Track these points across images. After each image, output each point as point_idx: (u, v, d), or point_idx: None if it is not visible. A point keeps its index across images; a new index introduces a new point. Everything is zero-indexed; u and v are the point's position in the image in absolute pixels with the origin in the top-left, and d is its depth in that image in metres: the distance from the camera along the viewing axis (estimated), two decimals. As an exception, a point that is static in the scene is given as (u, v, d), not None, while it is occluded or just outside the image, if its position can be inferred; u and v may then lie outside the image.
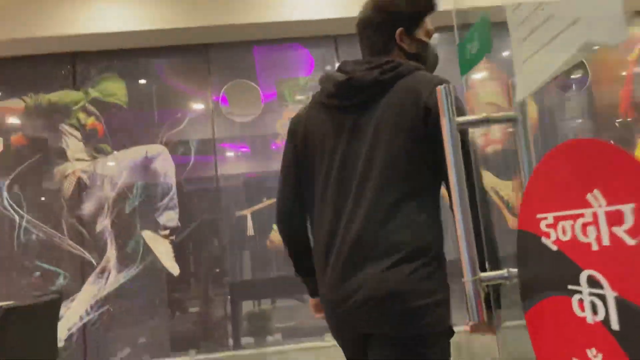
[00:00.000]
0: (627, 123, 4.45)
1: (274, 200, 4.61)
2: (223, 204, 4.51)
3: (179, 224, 4.13)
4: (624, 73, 4.49)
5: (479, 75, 4.43)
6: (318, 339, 4.17)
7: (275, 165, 4.67)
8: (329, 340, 4.14)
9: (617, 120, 4.47)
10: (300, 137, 1.49)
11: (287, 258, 1.64)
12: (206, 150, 4.30)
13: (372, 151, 1.33)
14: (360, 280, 1.30)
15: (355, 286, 1.31)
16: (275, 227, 4.24)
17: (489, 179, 4.40)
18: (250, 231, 4.25)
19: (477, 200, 1.28)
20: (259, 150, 4.80)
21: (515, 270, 1.16)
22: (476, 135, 4.42)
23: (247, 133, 4.57)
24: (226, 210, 4.56)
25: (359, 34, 1.48)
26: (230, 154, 4.90)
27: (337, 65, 2.12)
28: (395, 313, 1.28)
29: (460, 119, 1.14)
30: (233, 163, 4.76)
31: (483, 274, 1.14)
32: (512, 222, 4.39)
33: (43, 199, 4.12)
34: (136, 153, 4.15)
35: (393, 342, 1.30)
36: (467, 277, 1.12)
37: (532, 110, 4.46)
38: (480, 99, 4.41)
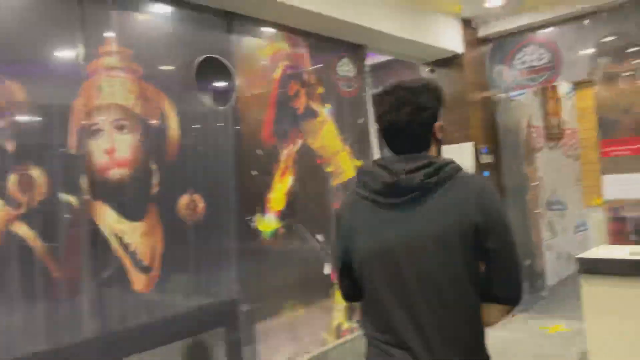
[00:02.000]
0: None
1: None
2: None
3: None
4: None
5: (104, 60, 2.89)
6: None
7: None
8: None
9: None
10: (347, 229, 1.58)
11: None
12: None
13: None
14: None
15: None
16: None
17: (111, 219, 2.89)
18: None
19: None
20: None
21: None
22: (98, 147, 2.85)
23: None
24: None
25: (398, 130, 1.53)
26: None
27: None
28: None
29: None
30: None
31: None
32: (139, 282, 2.99)
33: None
34: None
35: None
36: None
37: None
38: (104, 96, 2.87)
